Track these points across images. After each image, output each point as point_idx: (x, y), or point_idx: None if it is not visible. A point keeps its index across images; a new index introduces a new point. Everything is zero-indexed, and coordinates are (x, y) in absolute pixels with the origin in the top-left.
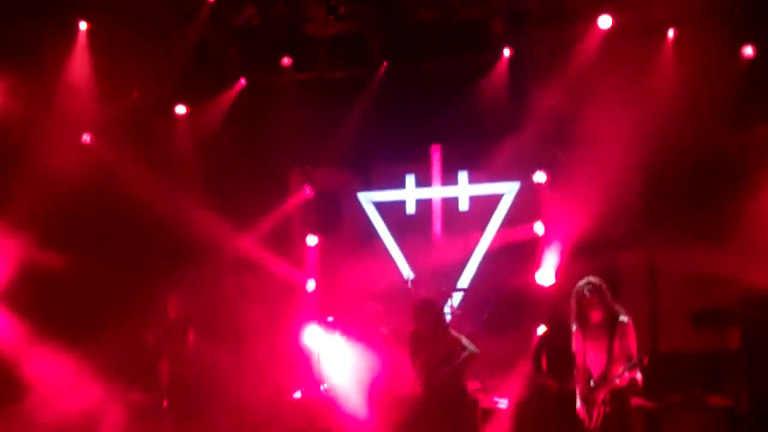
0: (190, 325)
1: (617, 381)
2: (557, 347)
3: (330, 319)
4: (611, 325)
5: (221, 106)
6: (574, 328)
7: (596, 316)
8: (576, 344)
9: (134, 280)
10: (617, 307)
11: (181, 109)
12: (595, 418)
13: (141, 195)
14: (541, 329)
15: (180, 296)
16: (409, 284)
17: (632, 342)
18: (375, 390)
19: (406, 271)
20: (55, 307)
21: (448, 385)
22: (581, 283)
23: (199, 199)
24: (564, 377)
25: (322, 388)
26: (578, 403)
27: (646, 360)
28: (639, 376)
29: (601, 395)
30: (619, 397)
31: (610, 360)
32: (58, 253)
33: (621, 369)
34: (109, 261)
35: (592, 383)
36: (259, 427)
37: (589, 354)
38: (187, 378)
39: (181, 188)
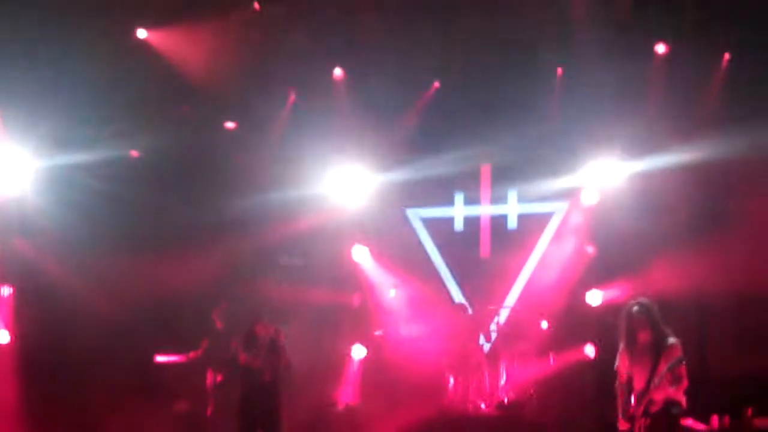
0: (234, 336)
1: (657, 384)
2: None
3: (378, 333)
4: (658, 346)
5: (272, 120)
6: (621, 347)
7: (644, 336)
8: (621, 363)
9: (181, 290)
10: (666, 329)
11: (230, 125)
12: None
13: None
14: (589, 349)
15: (225, 308)
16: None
17: None
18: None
19: (453, 288)
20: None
21: None
22: (631, 302)
23: (246, 212)
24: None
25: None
26: (620, 423)
27: (683, 368)
28: (683, 397)
29: (641, 407)
30: (667, 416)
31: (653, 375)
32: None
33: (663, 370)
34: (158, 266)
35: (632, 400)
36: None
37: (634, 373)
38: (232, 387)
39: (228, 202)
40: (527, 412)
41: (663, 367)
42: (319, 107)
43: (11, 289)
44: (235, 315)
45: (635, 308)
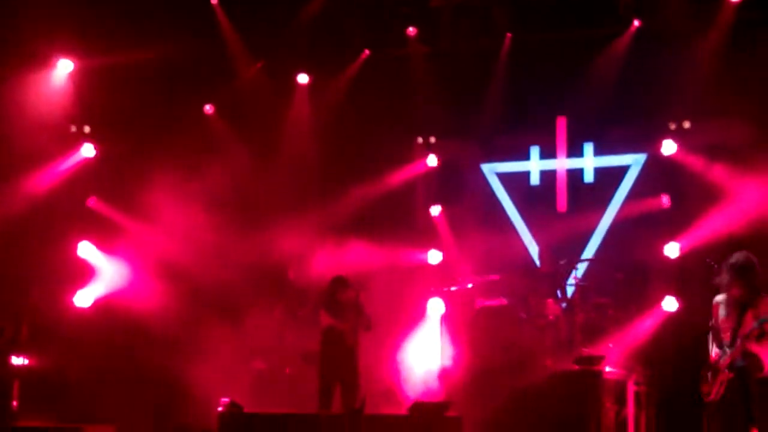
0: (314, 297)
1: (743, 339)
2: None
3: (452, 288)
4: (748, 301)
5: (345, 76)
6: (719, 298)
7: (736, 291)
8: (715, 314)
9: (254, 253)
10: (761, 286)
11: (303, 79)
12: (717, 387)
13: (259, 167)
14: (668, 302)
15: (299, 268)
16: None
17: None
18: (497, 360)
19: (530, 243)
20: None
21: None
22: (733, 258)
23: (318, 171)
24: None
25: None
26: (707, 373)
27: None
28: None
29: (727, 361)
30: (743, 368)
31: (739, 327)
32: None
33: (751, 325)
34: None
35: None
36: (379, 397)
37: (722, 327)
38: (309, 347)
39: (300, 159)
40: (606, 367)
41: (750, 322)
42: (393, 62)
43: None
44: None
45: (733, 260)
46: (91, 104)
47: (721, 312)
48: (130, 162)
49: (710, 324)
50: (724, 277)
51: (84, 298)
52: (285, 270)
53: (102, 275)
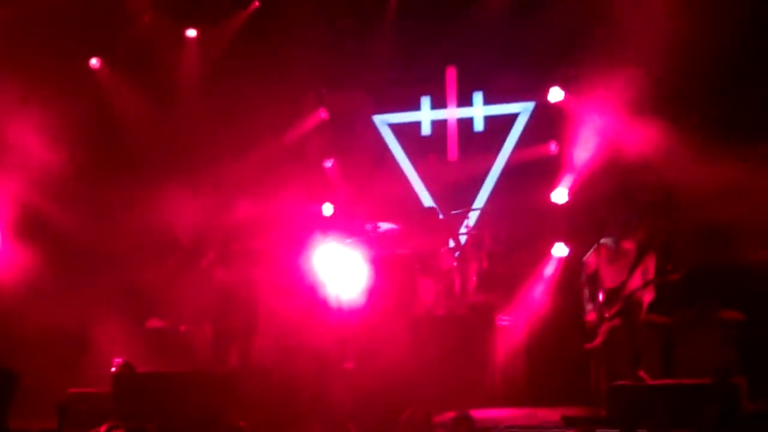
0: (204, 252)
1: (637, 294)
2: None
3: (348, 241)
4: (638, 255)
5: (233, 28)
6: (600, 242)
7: (628, 244)
8: (592, 257)
9: (141, 208)
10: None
11: (191, 33)
12: (601, 332)
13: (145, 121)
14: (558, 247)
15: (190, 224)
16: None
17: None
18: (391, 310)
19: (422, 193)
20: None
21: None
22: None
23: (208, 125)
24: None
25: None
26: (588, 314)
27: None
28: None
29: (613, 310)
30: (628, 314)
31: (629, 279)
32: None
33: (639, 285)
34: (113, 191)
35: (600, 296)
36: (271, 352)
37: (605, 270)
38: (204, 303)
39: (189, 113)
40: (498, 314)
41: (638, 277)
42: (282, 14)
43: None
44: (204, 231)
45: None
46: None
47: (606, 257)
48: (12, 119)
49: (584, 262)
50: (613, 230)
51: None
52: (175, 229)
53: None
